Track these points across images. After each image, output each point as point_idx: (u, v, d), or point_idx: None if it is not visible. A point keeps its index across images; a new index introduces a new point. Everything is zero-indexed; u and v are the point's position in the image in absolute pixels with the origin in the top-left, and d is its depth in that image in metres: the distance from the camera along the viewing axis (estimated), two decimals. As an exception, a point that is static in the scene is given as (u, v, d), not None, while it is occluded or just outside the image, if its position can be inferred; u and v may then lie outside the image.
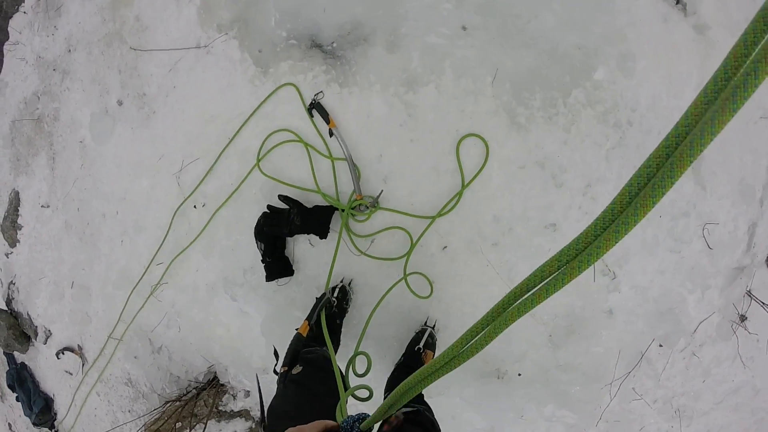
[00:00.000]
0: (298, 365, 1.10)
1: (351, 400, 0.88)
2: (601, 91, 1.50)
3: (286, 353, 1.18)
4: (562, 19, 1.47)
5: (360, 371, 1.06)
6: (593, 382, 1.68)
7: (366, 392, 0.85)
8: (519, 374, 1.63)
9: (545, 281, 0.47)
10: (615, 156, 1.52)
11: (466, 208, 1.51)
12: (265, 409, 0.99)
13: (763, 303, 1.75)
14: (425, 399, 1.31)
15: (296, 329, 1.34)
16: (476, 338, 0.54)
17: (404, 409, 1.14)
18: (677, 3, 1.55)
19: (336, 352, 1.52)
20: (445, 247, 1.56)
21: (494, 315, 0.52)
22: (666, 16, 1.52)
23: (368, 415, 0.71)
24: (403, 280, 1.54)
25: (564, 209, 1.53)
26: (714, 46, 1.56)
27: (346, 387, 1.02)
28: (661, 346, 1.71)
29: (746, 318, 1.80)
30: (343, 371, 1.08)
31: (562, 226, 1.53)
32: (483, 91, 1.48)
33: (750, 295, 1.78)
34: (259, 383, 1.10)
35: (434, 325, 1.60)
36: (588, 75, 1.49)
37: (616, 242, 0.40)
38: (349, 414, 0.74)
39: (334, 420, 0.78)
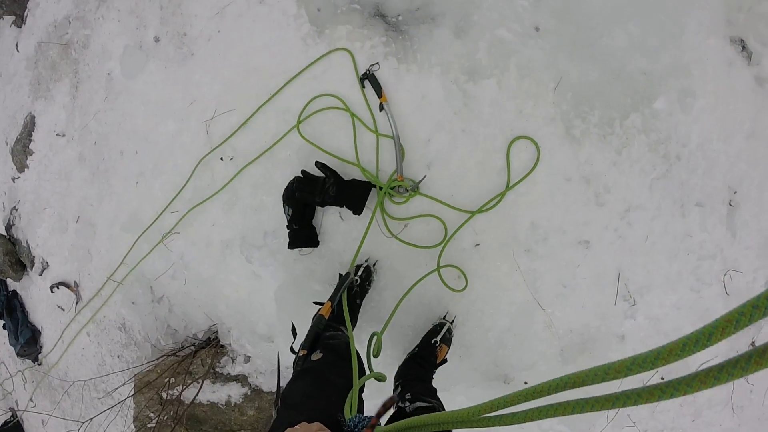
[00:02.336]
0: (318, 351, 1.04)
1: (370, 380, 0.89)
2: (657, 121, 1.49)
3: (307, 335, 1.10)
4: (635, 42, 1.45)
5: (374, 352, 1.09)
6: (592, 403, 1.69)
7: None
8: (525, 382, 1.63)
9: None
10: (658, 187, 1.52)
11: (507, 209, 1.49)
12: (281, 391, 0.95)
13: (767, 354, 1.78)
14: (438, 395, 1.30)
15: (316, 303, 1.29)
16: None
17: (419, 404, 1.13)
18: (743, 50, 1.55)
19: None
20: (478, 244, 1.53)
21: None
22: (731, 61, 1.52)
23: (372, 417, 0.69)
24: (437, 272, 1.51)
25: (600, 229, 1.52)
26: (770, 99, 1.55)
27: (368, 371, 1.02)
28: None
29: (746, 366, 1.83)
30: (363, 353, 1.07)
31: (594, 245, 1.53)
32: (544, 96, 1.45)
33: (754, 347, 1.81)
34: (279, 364, 1.05)
35: (453, 321, 1.59)
36: (648, 102, 1.47)
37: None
38: (359, 411, 0.75)
39: (342, 412, 0.80)
